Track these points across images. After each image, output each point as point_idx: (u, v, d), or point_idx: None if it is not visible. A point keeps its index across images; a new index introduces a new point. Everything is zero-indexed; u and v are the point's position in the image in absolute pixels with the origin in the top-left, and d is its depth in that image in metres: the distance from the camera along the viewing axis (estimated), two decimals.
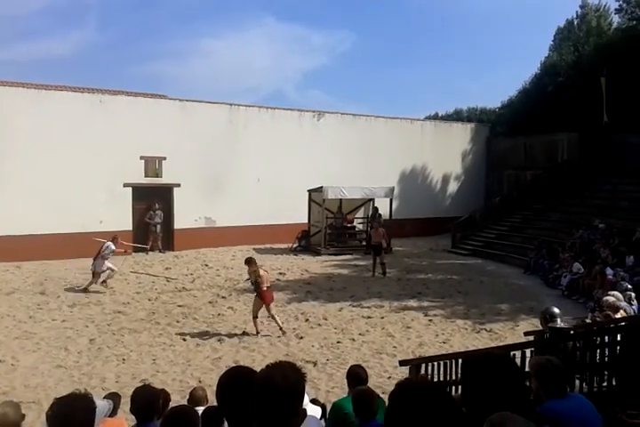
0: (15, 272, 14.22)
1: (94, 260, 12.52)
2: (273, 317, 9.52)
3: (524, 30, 63.35)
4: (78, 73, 55.67)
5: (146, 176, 17.65)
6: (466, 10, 66.92)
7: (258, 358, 8.17)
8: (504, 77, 65.28)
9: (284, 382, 1.77)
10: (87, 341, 8.96)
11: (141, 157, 17.47)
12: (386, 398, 4.61)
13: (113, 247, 12.64)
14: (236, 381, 2.17)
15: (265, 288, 9.35)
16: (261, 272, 9.43)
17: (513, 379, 2.03)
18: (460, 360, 6.06)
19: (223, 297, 12.06)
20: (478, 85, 66.31)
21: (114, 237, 13.04)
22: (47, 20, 61.86)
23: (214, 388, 6.43)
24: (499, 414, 1.83)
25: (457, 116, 30.58)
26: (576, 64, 23.31)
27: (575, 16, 26.44)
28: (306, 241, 18.96)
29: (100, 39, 63.17)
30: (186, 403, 4.54)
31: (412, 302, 11.68)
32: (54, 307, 11.03)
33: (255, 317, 9.46)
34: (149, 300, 11.74)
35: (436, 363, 6.08)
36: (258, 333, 9.39)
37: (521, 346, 5.93)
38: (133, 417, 5.47)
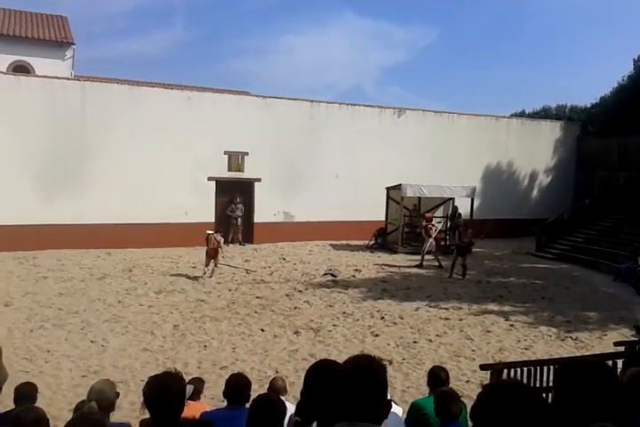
0: (106, 258, 15.07)
1: (424, 242, 16.04)
2: (212, 267, 13.29)
3: (617, 25, 59.75)
4: (167, 70, 58.26)
5: (229, 170, 18.18)
6: (554, 4, 63.94)
7: (333, 353, 8.21)
8: (596, 74, 61.84)
9: (365, 374, 1.78)
10: (171, 326, 9.35)
11: (225, 152, 18.00)
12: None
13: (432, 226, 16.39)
14: (323, 373, 2.19)
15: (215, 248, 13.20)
16: (218, 237, 13.33)
17: (612, 389, 1.92)
18: (545, 368, 5.82)
19: (300, 291, 12.21)
20: (566, 82, 63.24)
21: (428, 218, 17.05)
22: (138, 20, 65.04)
23: (291, 379, 6.54)
24: (598, 426, 1.74)
25: (545, 114, 29.21)
26: None
27: None
28: (382, 239, 18.86)
29: (187, 37, 65.69)
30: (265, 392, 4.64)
31: (493, 306, 11.31)
32: (141, 293, 11.60)
33: (206, 265, 13.26)
34: (229, 290, 12.10)
35: (519, 369, 5.86)
36: (209, 276, 13.05)
37: (611, 356, 5.63)
38: (213, 402, 5.66)
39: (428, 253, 15.80)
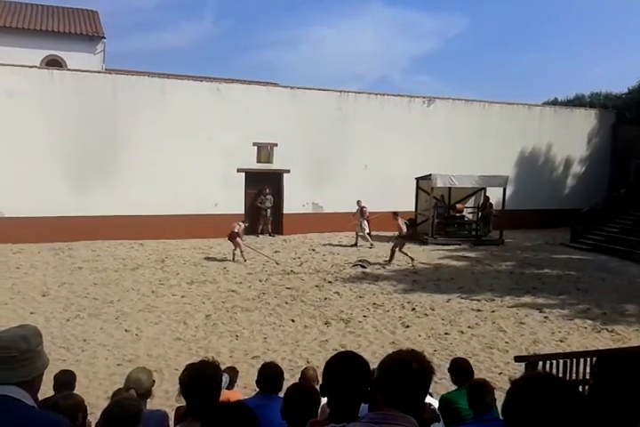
0: (139, 249, 15.30)
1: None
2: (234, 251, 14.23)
3: None
4: (197, 63, 58.69)
5: (258, 162, 18.22)
6: None
7: (364, 344, 8.21)
8: (630, 61, 59.94)
9: (420, 368, 1.75)
10: (204, 316, 9.46)
11: (254, 144, 18.05)
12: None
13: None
14: (346, 363, 2.19)
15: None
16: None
17: None
18: (581, 360, 5.70)
19: (329, 282, 12.21)
20: (600, 69, 61.52)
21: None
22: (167, 13, 65.57)
23: (321, 369, 6.51)
24: None
25: (578, 102, 28.45)
26: None
27: None
28: (412, 229, 18.70)
29: (216, 30, 65.95)
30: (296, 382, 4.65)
31: (526, 298, 11.12)
32: (174, 283, 11.75)
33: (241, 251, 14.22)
34: (260, 281, 12.17)
35: (554, 361, 5.75)
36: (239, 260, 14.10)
37: None
38: (245, 391, 5.70)
39: (368, 234, 17.00)
